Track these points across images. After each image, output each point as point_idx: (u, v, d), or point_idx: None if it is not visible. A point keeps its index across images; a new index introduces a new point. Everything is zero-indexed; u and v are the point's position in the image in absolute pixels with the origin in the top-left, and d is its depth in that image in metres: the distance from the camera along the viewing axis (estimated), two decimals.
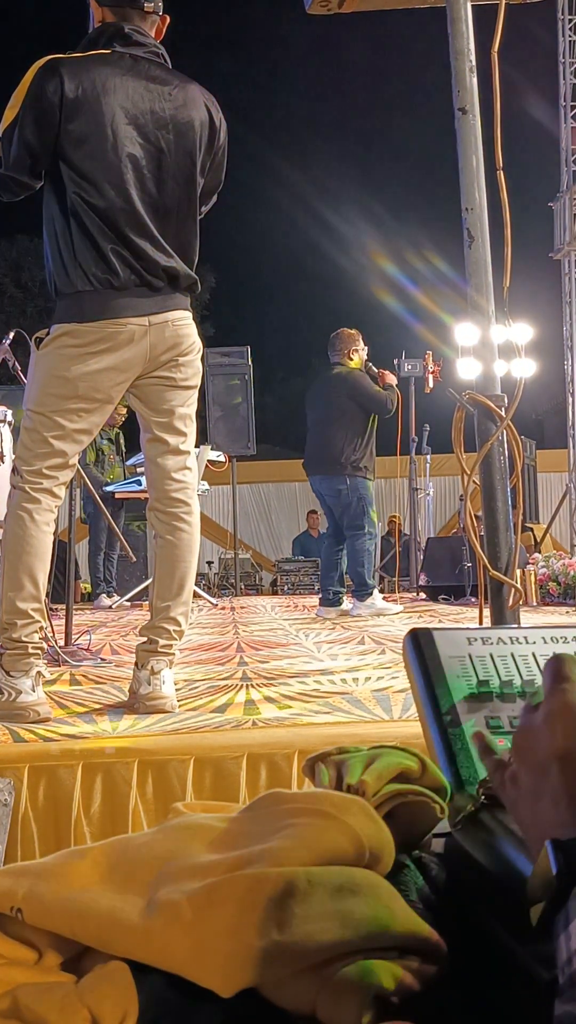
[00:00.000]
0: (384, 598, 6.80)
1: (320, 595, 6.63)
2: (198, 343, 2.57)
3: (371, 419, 6.29)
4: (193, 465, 2.62)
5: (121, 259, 2.39)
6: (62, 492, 2.48)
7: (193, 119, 2.48)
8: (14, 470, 2.46)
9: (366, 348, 6.51)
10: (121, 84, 2.40)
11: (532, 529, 10.93)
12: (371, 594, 6.23)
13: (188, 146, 2.48)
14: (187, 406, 2.58)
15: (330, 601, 6.38)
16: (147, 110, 2.43)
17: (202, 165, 2.54)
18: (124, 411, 8.23)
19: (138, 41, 2.47)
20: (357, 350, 6.43)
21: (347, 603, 6.63)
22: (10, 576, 2.39)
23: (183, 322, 2.51)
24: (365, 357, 6.49)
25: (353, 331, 6.52)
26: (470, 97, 2.56)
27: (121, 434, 8.84)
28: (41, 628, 2.44)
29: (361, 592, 6.26)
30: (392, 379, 6.46)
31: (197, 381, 2.59)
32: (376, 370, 6.45)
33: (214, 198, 2.70)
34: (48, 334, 2.43)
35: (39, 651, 2.42)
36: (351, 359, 6.40)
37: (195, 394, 2.61)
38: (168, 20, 2.57)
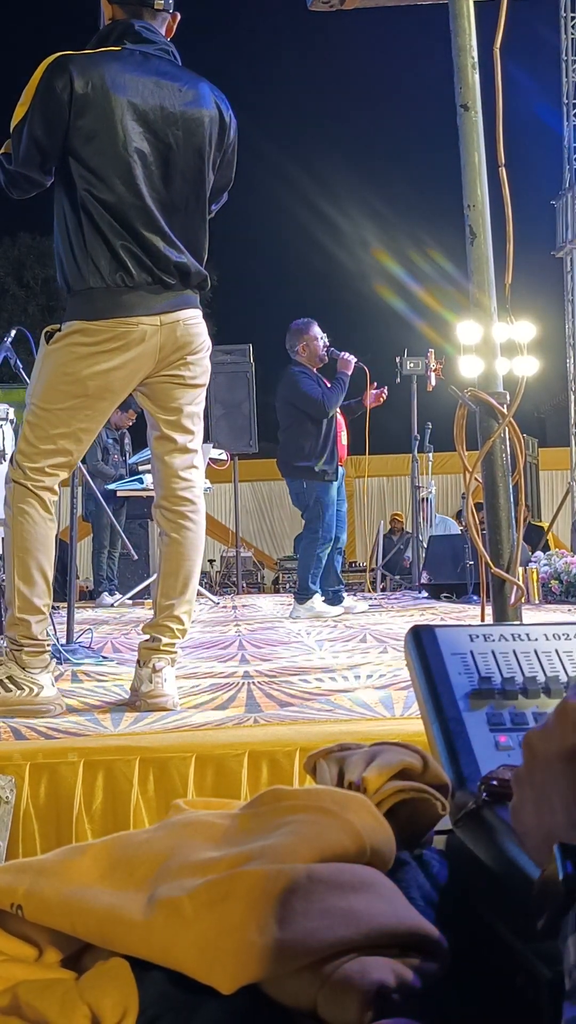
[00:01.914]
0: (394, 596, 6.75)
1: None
2: (208, 342, 2.57)
3: (323, 419, 6.09)
4: (200, 463, 2.62)
5: (132, 256, 2.39)
6: (58, 487, 2.49)
7: (203, 116, 2.48)
8: (15, 464, 2.45)
9: (323, 336, 6.23)
10: (131, 80, 2.39)
11: (543, 528, 10.91)
12: (311, 598, 6.13)
13: (197, 143, 2.48)
14: (195, 404, 2.58)
15: (331, 600, 6.37)
16: (156, 106, 2.42)
17: (212, 162, 2.53)
18: (134, 415, 8.28)
19: (148, 38, 2.47)
20: (307, 344, 6.20)
21: (349, 599, 6.63)
22: (22, 573, 2.39)
23: (194, 321, 2.51)
24: (323, 344, 6.23)
25: (303, 321, 6.28)
26: (472, 93, 2.56)
27: (127, 434, 8.87)
28: (48, 622, 2.46)
29: (301, 595, 6.19)
30: (347, 366, 6.19)
31: (206, 379, 2.59)
32: (338, 355, 6.22)
33: (224, 196, 2.69)
34: (59, 329, 2.43)
35: (50, 645, 2.45)
36: (302, 355, 6.20)
37: (203, 392, 2.61)
38: (179, 17, 2.57)
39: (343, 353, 6.25)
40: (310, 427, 6.08)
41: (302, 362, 6.19)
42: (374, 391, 6.75)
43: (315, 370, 6.22)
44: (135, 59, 2.43)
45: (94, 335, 2.39)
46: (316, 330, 6.24)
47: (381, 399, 6.81)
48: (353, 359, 6.24)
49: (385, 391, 6.86)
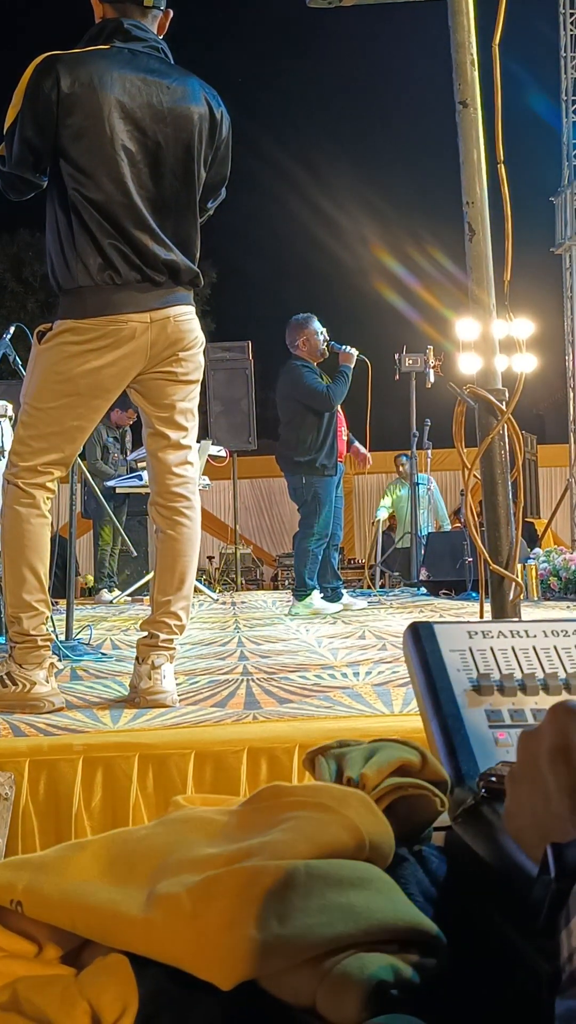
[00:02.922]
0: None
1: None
2: (201, 337, 2.57)
3: (324, 413, 6.10)
4: (195, 459, 2.62)
5: (120, 254, 2.39)
6: (55, 486, 2.50)
7: (191, 112, 2.48)
8: (9, 463, 2.46)
9: (322, 331, 6.22)
10: (118, 78, 2.39)
11: (533, 524, 10.93)
12: (309, 594, 6.14)
13: (186, 139, 2.47)
14: (188, 400, 2.58)
15: (329, 597, 6.37)
16: (144, 104, 2.42)
17: (204, 159, 2.53)
18: (134, 414, 8.27)
19: (138, 36, 2.47)
20: (307, 339, 6.19)
21: (347, 597, 6.62)
22: (12, 571, 2.42)
23: (185, 317, 2.51)
24: (322, 339, 6.21)
25: (303, 316, 6.26)
26: (471, 90, 2.56)
27: (128, 432, 8.87)
28: (47, 620, 2.46)
29: (299, 592, 6.19)
30: (349, 359, 6.17)
31: (199, 375, 2.60)
32: (338, 349, 6.22)
33: (222, 192, 2.69)
34: (51, 328, 2.44)
35: (49, 642, 2.45)
36: (302, 349, 6.19)
37: (196, 388, 2.61)
38: (171, 15, 2.56)
39: (344, 347, 6.23)
40: (312, 421, 6.07)
41: (303, 356, 6.19)
42: (360, 454, 6.90)
43: (315, 364, 6.21)
44: (123, 57, 2.43)
45: (84, 333, 2.39)
46: (316, 324, 6.23)
47: (365, 466, 6.96)
48: (355, 352, 6.23)
49: (369, 458, 6.96)
